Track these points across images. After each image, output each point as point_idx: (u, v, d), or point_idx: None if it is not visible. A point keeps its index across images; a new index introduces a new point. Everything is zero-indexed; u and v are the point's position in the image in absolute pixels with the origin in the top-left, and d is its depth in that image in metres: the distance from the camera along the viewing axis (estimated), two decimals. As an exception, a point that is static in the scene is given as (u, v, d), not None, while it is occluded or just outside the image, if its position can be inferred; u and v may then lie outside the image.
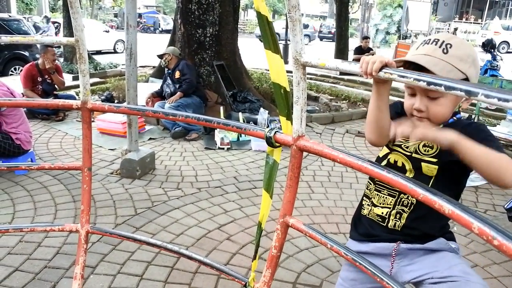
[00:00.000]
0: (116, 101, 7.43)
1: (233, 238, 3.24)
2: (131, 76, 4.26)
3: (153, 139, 5.75)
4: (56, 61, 6.92)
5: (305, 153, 4.53)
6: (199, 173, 4.56)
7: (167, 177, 4.41)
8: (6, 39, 1.82)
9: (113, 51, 19.87)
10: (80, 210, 1.93)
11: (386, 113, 1.36)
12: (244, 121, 5.82)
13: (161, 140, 5.66)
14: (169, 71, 6.22)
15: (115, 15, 32.69)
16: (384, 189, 1.49)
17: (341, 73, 12.17)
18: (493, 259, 3.16)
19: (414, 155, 1.43)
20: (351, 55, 12.61)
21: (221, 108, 6.23)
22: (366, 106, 7.99)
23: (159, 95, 6.31)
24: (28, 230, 2.01)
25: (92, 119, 5.78)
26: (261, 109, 6.27)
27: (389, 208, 1.48)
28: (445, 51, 1.32)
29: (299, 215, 3.59)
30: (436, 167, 1.38)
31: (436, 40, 1.35)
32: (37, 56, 8.64)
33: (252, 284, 1.58)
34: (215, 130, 5.67)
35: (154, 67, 9.83)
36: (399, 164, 1.45)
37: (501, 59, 13.60)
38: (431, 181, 1.39)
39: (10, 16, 11.12)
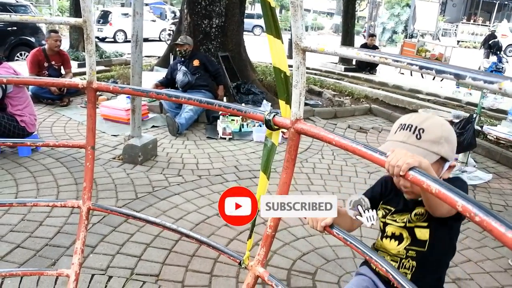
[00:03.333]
0: (120, 89, 7.47)
1: (232, 225, 3.29)
2: (136, 62, 4.30)
3: (156, 127, 5.80)
4: (60, 47, 6.96)
5: (305, 146, 4.60)
6: (200, 161, 4.61)
7: (168, 164, 4.46)
8: (16, 17, 1.87)
9: (158, 39, 21.03)
10: (83, 187, 1.98)
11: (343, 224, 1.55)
12: (246, 112, 5.86)
13: (164, 128, 5.71)
14: (183, 60, 6.22)
15: (122, 5, 32.67)
16: (388, 256, 1.63)
17: (346, 70, 12.21)
18: (486, 255, 3.21)
19: (408, 224, 1.56)
20: (356, 52, 12.61)
21: (225, 99, 6.26)
22: (369, 103, 8.04)
23: (163, 84, 6.34)
24: (32, 205, 2.06)
25: (96, 106, 5.84)
26: (264, 101, 6.32)
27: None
28: (418, 137, 1.43)
29: (297, 205, 3.63)
30: (428, 230, 1.52)
31: (410, 126, 1.46)
32: (43, 42, 8.68)
33: (247, 262, 1.63)
34: (218, 120, 5.71)
35: (159, 57, 9.86)
36: (397, 234, 1.59)
37: (507, 62, 13.57)
38: (427, 243, 1.53)
39: (17, 2, 11.14)
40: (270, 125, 1.49)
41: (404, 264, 1.58)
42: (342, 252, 3.04)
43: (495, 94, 5.96)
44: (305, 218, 1.42)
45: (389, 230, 1.61)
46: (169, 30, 18.87)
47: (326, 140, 1.32)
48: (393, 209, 1.62)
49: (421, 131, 1.44)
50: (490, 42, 19.35)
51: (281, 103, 1.50)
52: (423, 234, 1.53)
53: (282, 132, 5.42)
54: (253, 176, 4.28)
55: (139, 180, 4.00)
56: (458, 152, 5.00)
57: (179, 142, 5.21)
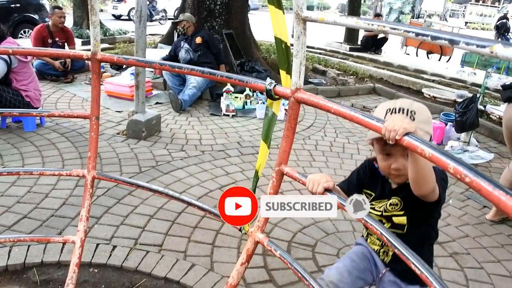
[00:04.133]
0: (124, 66, 7.48)
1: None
2: (140, 38, 4.31)
3: (160, 103, 5.83)
4: (64, 23, 6.94)
5: (308, 124, 4.62)
6: (204, 137, 4.65)
7: (172, 139, 4.50)
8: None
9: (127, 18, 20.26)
10: (87, 157, 2.02)
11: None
12: (250, 90, 5.88)
13: (168, 104, 5.73)
14: (185, 37, 6.22)
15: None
16: (373, 235, 1.77)
17: (351, 49, 12.13)
18: (484, 231, 3.26)
19: (384, 213, 1.65)
20: (362, 32, 12.51)
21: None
22: (374, 82, 8.03)
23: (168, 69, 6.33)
24: (38, 174, 2.11)
25: (100, 83, 5.87)
26: (268, 79, 6.29)
27: (379, 247, 1.75)
28: (412, 118, 1.49)
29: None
30: (405, 217, 1.61)
31: (401, 109, 1.52)
32: (47, 19, 8.66)
33: (247, 228, 1.68)
34: (221, 98, 5.73)
35: (163, 35, 9.83)
36: (377, 220, 1.61)
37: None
38: (406, 227, 1.62)
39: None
40: (271, 95, 1.52)
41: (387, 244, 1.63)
42: (342, 226, 3.10)
43: (499, 74, 5.93)
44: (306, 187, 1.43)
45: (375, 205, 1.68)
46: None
47: (325, 109, 1.35)
48: (373, 194, 1.69)
49: (413, 112, 1.50)
50: (498, 23, 19.12)
51: (282, 73, 1.52)
52: (400, 220, 1.62)
53: (285, 110, 5.43)
54: (256, 152, 4.32)
55: (142, 155, 4.04)
56: (460, 131, 5.02)
57: (182, 119, 5.24)
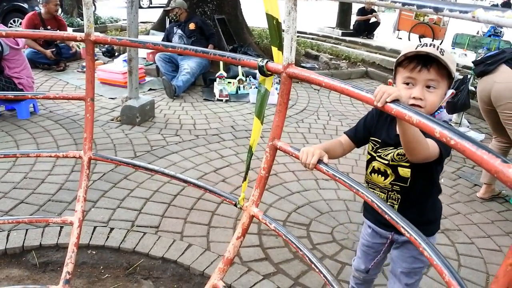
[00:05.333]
0: (116, 54, 7.46)
1: (228, 180, 3.39)
2: (132, 23, 4.31)
3: (153, 90, 5.83)
4: (58, 11, 6.90)
5: (301, 107, 4.65)
6: (198, 122, 4.68)
7: (166, 125, 4.52)
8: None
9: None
10: (83, 138, 2.04)
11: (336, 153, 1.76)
12: (243, 75, 5.90)
13: (161, 91, 5.74)
14: (179, 23, 6.20)
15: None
16: (376, 188, 1.76)
17: (343, 34, 12.13)
18: (475, 208, 3.32)
19: (391, 162, 1.67)
20: (354, 17, 12.52)
21: (221, 61, 6.27)
22: (366, 66, 8.05)
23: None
24: (35, 155, 2.12)
25: (93, 69, 5.85)
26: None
27: (384, 200, 1.71)
28: (441, 53, 1.54)
29: (292, 162, 3.72)
30: (409, 170, 1.64)
31: (431, 44, 1.58)
32: (36, 8, 8.59)
33: (242, 203, 1.71)
34: (214, 83, 5.74)
35: (154, 23, 9.77)
36: (382, 170, 1.71)
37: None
38: (409, 180, 1.66)
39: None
40: (263, 71, 1.54)
41: (391, 196, 1.72)
42: (336, 206, 3.15)
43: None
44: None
45: (375, 165, 1.72)
46: None
47: (316, 82, 1.38)
48: (380, 141, 1.71)
49: (442, 50, 1.56)
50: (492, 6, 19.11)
51: (274, 49, 1.55)
52: (405, 172, 1.65)
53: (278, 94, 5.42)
54: (250, 135, 4.34)
55: (137, 140, 4.07)
56: (452, 112, 5.07)
57: (176, 104, 5.26)
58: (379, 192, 1.76)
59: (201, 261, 2.46)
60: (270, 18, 1.51)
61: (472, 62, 3.80)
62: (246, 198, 1.72)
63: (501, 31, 12.78)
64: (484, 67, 3.43)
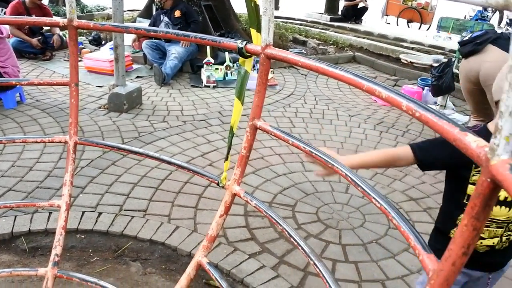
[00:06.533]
0: (103, 42, 7.42)
1: (215, 164, 3.43)
2: (117, 10, 4.30)
3: (141, 77, 5.83)
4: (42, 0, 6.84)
5: (289, 92, 4.67)
6: (185, 108, 4.70)
7: (153, 111, 4.54)
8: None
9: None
10: (69, 123, 2.07)
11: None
12: (230, 61, 5.91)
13: (149, 78, 5.74)
14: (165, 10, 6.18)
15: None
16: (493, 224, 1.49)
17: (331, 20, 12.11)
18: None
19: None
20: (342, 2, 12.50)
21: (208, 48, 6.27)
22: (353, 51, 8.09)
23: (145, 36, 6.31)
24: (20, 141, 2.14)
25: (80, 58, 5.83)
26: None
27: (498, 237, 1.51)
28: None
29: (279, 146, 3.77)
30: None
31: None
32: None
33: (224, 182, 1.75)
34: (202, 69, 5.75)
35: (140, 10, 9.70)
36: (509, 199, 1.44)
37: (492, 10, 13.55)
38: None
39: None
40: (243, 53, 1.58)
41: (509, 226, 1.49)
42: (321, 187, 3.20)
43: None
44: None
45: (502, 195, 1.41)
46: None
47: (293, 62, 1.41)
48: None
49: None
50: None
51: (253, 31, 1.58)
52: None
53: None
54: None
55: (125, 127, 4.09)
56: (437, 95, 5.14)
57: (163, 91, 5.27)
58: (495, 229, 1.49)
59: (188, 242, 2.51)
60: (248, 0, 1.54)
61: (458, 42, 3.85)
62: (229, 178, 1.76)
63: (487, 15, 12.85)
64: (473, 47, 3.48)
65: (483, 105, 3.67)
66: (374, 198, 1.22)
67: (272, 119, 4.54)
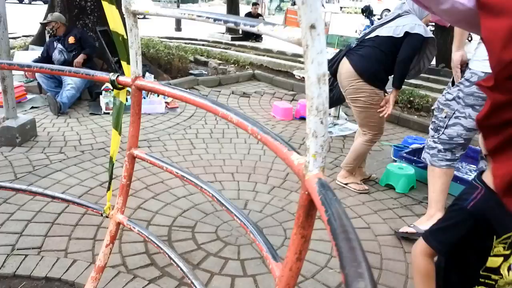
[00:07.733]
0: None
1: (115, 193, 3.39)
2: (2, 40, 4.13)
3: (36, 107, 5.60)
4: None
5: (189, 114, 4.76)
6: (83, 137, 4.59)
7: (49, 143, 4.39)
8: None
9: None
10: None
11: None
12: (130, 86, 5.86)
13: (44, 108, 5.53)
14: (58, 37, 6.00)
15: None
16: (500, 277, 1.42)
17: (233, 39, 12.45)
18: (348, 193, 3.64)
19: None
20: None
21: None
22: (254, 69, 8.37)
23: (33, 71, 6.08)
24: None
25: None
26: (147, 74, 6.33)
27: None
28: None
29: (180, 168, 3.82)
30: None
31: None
32: None
33: (108, 211, 1.79)
34: (100, 96, 5.65)
35: (33, 36, 9.32)
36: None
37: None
38: None
39: None
40: (115, 85, 1.64)
41: None
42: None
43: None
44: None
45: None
46: None
47: (161, 92, 1.50)
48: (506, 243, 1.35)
49: None
50: (362, 7, 20.71)
51: (124, 64, 1.65)
52: None
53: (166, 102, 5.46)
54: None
55: (18, 161, 3.91)
56: (330, 107, 5.47)
57: (61, 121, 5.11)
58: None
59: (86, 274, 2.46)
60: (116, 35, 1.61)
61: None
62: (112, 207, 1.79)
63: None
64: (329, 69, 3.80)
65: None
66: (235, 215, 1.33)
67: (173, 142, 4.58)
